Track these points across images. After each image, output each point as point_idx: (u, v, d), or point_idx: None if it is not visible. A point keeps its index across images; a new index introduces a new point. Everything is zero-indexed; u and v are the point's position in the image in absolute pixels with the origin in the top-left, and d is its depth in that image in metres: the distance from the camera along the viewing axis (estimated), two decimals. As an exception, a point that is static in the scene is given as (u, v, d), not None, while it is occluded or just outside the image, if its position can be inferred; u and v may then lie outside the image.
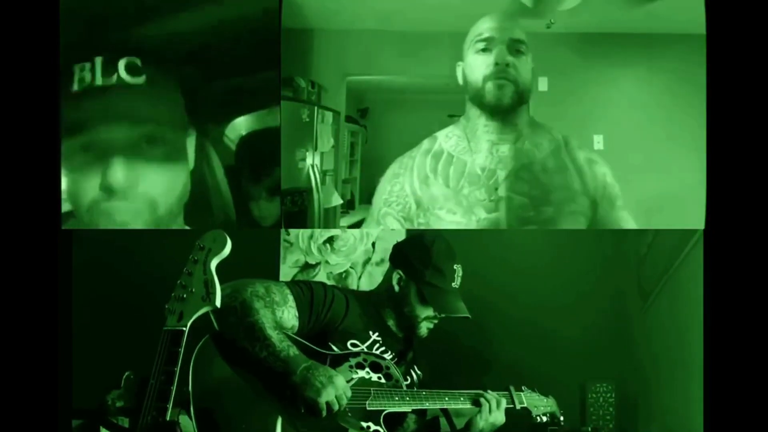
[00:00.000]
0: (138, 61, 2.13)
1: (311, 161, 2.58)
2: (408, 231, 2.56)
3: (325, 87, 2.59)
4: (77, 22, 2.23)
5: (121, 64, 2.11)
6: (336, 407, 1.78)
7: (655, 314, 2.62)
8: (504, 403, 2.04)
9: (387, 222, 2.42)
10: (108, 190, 2.09)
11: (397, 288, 2.12)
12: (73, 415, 2.26)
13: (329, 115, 2.63)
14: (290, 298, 1.94)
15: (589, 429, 2.55)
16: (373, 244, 2.68)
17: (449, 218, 2.34)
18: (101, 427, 2.24)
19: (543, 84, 2.49)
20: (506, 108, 2.35)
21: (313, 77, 2.55)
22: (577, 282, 2.64)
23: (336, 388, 1.78)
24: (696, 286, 2.27)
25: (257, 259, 2.50)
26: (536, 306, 2.63)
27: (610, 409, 2.57)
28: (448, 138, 2.45)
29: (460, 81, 2.43)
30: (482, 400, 2.02)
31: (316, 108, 2.57)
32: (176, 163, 2.19)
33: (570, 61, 2.49)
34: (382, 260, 2.65)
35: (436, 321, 2.13)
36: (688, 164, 2.38)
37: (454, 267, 2.12)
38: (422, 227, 2.37)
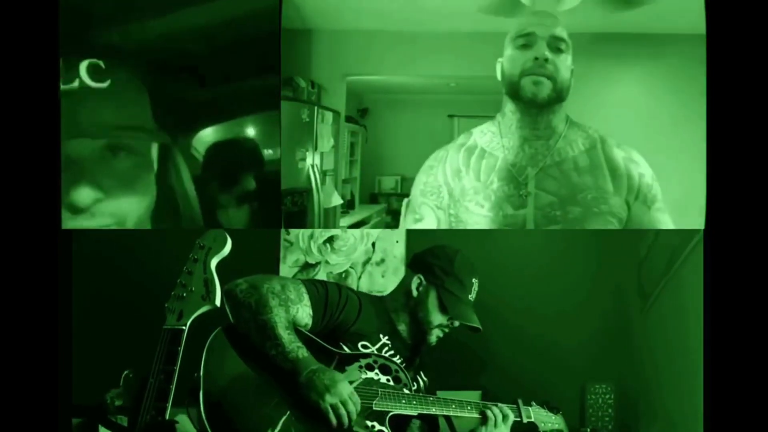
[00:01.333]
0: (102, 64, 2.02)
1: (311, 161, 2.58)
2: (408, 231, 2.57)
3: (325, 87, 2.59)
4: (70, 19, 2.21)
5: (83, 66, 2.00)
6: (343, 413, 1.78)
7: (655, 315, 2.62)
8: (511, 418, 2.04)
9: (423, 212, 2.42)
10: (73, 209, 2.02)
11: (416, 293, 2.14)
12: (73, 414, 2.26)
13: (329, 115, 2.63)
14: (305, 296, 1.95)
15: (588, 430, 2.55)
16: (373, 244, 2.68)
17: (477, 211, 2.33)
18: (100, 426, 2.25)
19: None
20: (542, 103, 2.32)
21: (313, 77, 2.55)
22: (577, 283, 2.64)
23: (339, 393, 1.79)
24: (696, 287, 2.27)
25: (257, 259, 2.50)
26: (535, 306, 2.62)
27: (610, 410, 2.57)
28: (483, 134, 2.44)
29: (499, 77, 2.40)
30: (489, 413, 2.01)
31: (316, 108, 2.57)
32: (143, 174, 2.09)
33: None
34: (382, 260, 2.65)
35: (446, 330, 2.15)
36: (688, 164, 2.38)
37: (473, 280, 2.16)
38: (452, 218, 2.38)
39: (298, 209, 2.55)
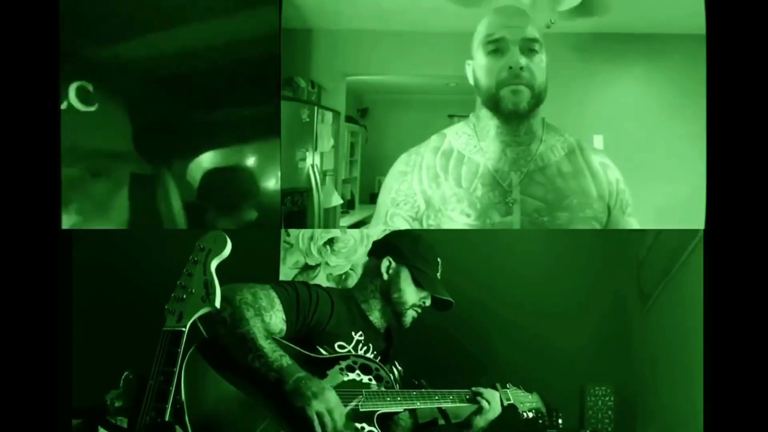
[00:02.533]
0: (90, 87, 2.02)
1: (311, 161, 2.58)
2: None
3: (325, 87, 2.59)
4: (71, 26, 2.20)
5: (72, 88, 2.00)
6: (328, 421, 1.78)
7: (654, 317, 2.62)
8: (497, 397, 2.07)
9: (395, 223, 2.37)
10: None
11: (386, 275, 2.13)
12: (72, 415, 2.26)
13: (329, 115, 2.63)
14: (277, 301, 1.93)
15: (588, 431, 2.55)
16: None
17: (462, 220, 2.29)
18: (100, 427, 2.25)
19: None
20: (523, 113, 2.29)
21: (313, 77, 2.55)
22: (576, 284, 2.64)
23: (326, 400, 1.79)
24: (696, 288, 2.27)
25: (257, 261, 2.50)
26: (535, 308, 2.62)
27: (609, 412, 2.57)
28: (458, 136, 2.39)
29: (471, 81, 2.36)
30: (482, 402, 2.04)
31: (316, 108, 2.57)
32: (119, 200, 2.09)
33: (569, 61, 2.48)
34: (382, 261, 2.65)
35: (419, 310, 2.14)
36: (688, 164, 2.38)
37: (437, 259, 2.17)
38: (432, 228, 2.35)
39: (298, 209, 2.55)
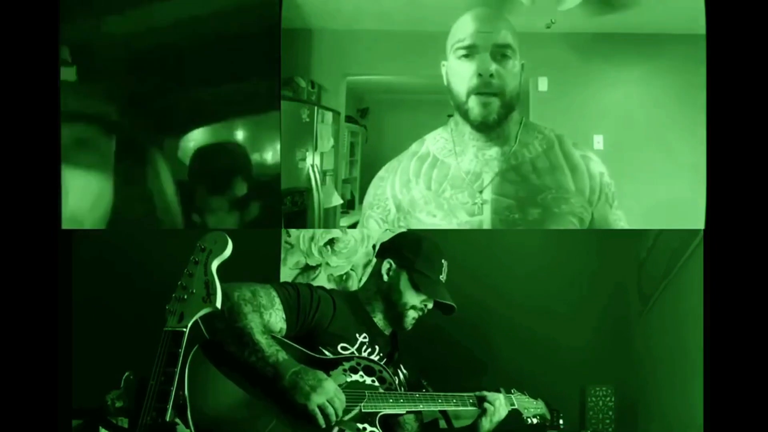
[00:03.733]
0: (68, 54, 2.02)
1: (311, 161, 2.58)
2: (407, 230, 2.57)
3: (325, 87, 2.59)
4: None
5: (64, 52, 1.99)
6: (331, 412, 1.78)
7: (655, 317, 2.62)
8: (501, 399, 2.08)
9: (369, 225, 2.38)
10: None
11: (386, 277, 2.14)
12: (72, 415, 2.26)
13: (329, 115, 2.63)
14: (277, 300, 1.94)
15: (589, 432, 2.56)
16: (374, 246, 2.68)
17: (429, 221, 2.28)
18: (101, 428, 2.25)
19: (543, 84, 2.48)
20: (492, 123, 2.26)
21: (313, 77, 2.55)
22: (577, 284, 2.64)
23: (326, 391, 1.79)
24: (696, 289, 2.27)
25: (258, 261, 2.50)
26: (536, 308, 2.63)
27: (610, 412, 2.57)
28: (435, 140, 2.39)
29: (445, 81, 2.34)
30: (487, 405, 2.04)
31: (316, 108, 2.57)
32: (103, 173, 2.09)
33: (570, 61, 2.48)
34: (383, 261, 2.65)
35: (421, 312, 2.14)
36: (688, 164, 2.38)
37: (442, 261, 2.15)
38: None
39: (298, 209, 2.55)
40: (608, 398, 2.56)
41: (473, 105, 2.23)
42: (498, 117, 2.24)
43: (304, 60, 2.53)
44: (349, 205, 2.74)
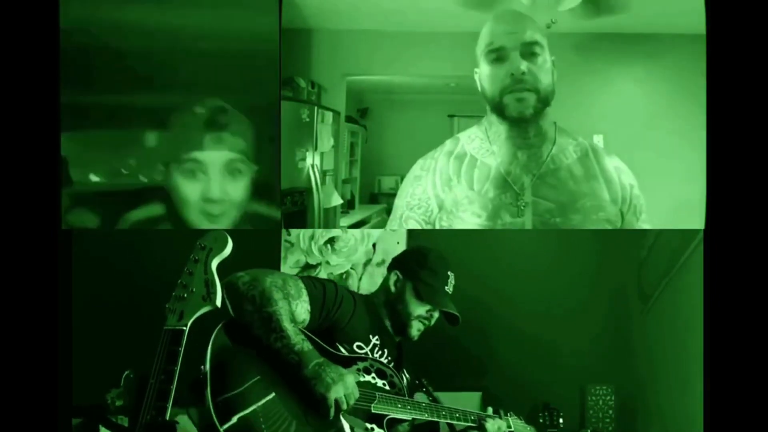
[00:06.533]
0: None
1: (311, 161, 2.58)
2: (408, 232, 2.57)
3: (325, 87, 2.60)
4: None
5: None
6: (345, 406, 1.80)
7: (655, 317, 2.62)
8: (501, 424, 2.10)
9: (409, 225, 2.37)
10: None
11: (393, 288, 2.17)
12: (73, 414, 2.26)
13: (329, 115, 2.63)
14: (304, 292, 1.96)
15: (589, 431, 2.55)
16: (374, 246, 2.68)
17: (473, 221, 2.28)
18: (101, 426, 2.25)
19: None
20: (529, 118, 2.25)
21: (313, 77, 2.55)
22: (577, 284, 2.64)
23: (346, 386, 1.81)
24: (696, 289, 2.27)
25: (258, 260, 2.49)
26: (536, 308, 2.63)
27: (610, 411, 2.57)
28: (471, 140, 2.37)
29: (479, 88, 2.32)
30: (488, 428, 2.07)
31: (316, 108, 2.58)
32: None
33: (570, 61, 2.49)
34: (383, 261, 2.65)
35: (426, 323, 2.17)
36: (688, 164, 2.38)
37: (448, 273, 2.18)
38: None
39: (298, 209, 2.55)
40: (608, 398, 2.56)
41: (509, 101, 2.23)
42: (534, 111, 2.24)
43: (304, 60, 2.53)
44: (349, 205, 2.75)
